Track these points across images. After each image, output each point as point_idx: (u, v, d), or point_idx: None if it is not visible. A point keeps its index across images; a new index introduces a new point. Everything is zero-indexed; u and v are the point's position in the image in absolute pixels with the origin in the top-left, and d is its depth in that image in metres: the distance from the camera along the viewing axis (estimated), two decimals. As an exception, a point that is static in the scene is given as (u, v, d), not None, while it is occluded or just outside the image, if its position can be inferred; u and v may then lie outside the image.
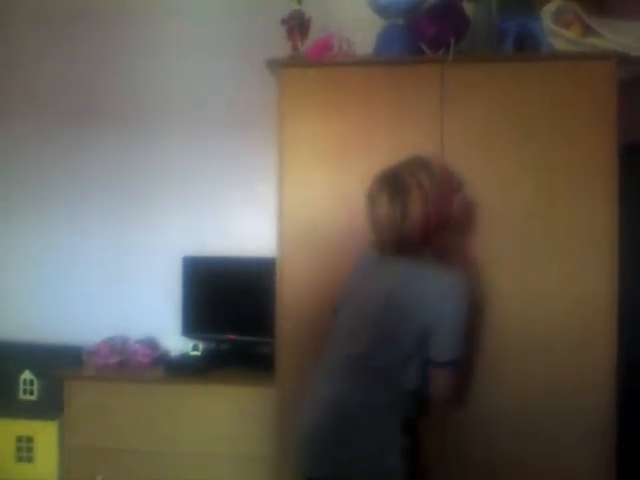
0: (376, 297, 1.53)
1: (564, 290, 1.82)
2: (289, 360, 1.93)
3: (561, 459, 1.82)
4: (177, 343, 2.49)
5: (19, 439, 2.34)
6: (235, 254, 2.44)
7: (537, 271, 1.84)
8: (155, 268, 2.56)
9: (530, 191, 1.84)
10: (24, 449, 2.34)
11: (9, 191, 2.68)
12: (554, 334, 1.82)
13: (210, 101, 2.54)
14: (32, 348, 2.49)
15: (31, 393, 2.40)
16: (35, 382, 2.40)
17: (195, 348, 2.38)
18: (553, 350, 1.82)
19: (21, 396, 2.41)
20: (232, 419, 2.15)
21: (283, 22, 1.96)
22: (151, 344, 2.45)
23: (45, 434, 2.32)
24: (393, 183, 1.51)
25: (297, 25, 1.93)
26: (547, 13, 1.84)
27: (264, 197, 2.44)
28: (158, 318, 2.53)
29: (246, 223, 2.51)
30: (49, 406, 2.34)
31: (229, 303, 2.38)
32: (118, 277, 2.60)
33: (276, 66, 1.95)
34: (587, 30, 1.82)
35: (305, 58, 1.94)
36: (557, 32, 1.83)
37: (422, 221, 1.47)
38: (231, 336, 2.37)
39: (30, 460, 2.34)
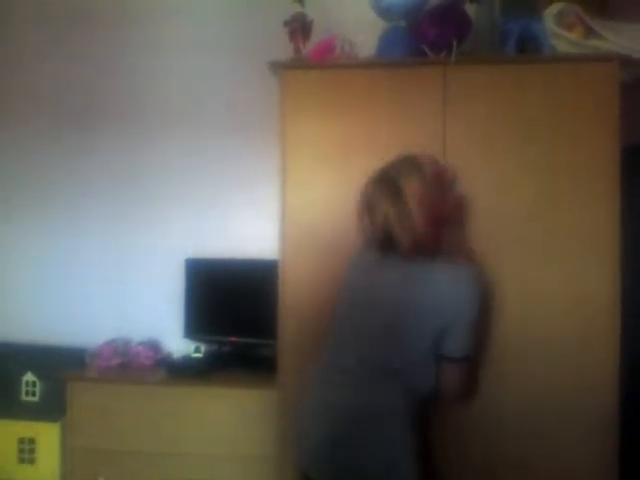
0: (387, 299, 1.51)
1: (566, 291, 1.82)
2: (291, 362, 1.93)
3: (562, 460, 1.82)
4: (179, 345, 2.49)
5: (21, 440, 2.34)
6: (236, 256, 2.44)
7: (539, 272, 1.84)
8: (157, 270, 2.56)
9: (532, 193, 1.84)
10: (26, 450, 2.35)
11: (10, 192, 2.68)
12: (556, 335, 1.82)
13: (211, 102, 2.54)
14: (35, 350, 2.49)
15: (33, 395, 2.40)
16: (37, 384, 2.40)
17: (197, 350, 2.39)
18: (555, 351, 1.82)
19: (23, 397, 2.41)
20: (234, 421, 2.16)
21: (285, 24, 1.95)
22: (153, 346, 2.45)
23: (47, 436, 2.32)
24: (391, 185, 1.48)
25: (299, 27, 1.93)
26: (549, 15, 1.84)
27: (265, 199, 2.44)
28: (160, 320, 2.54)
29: (247, 225, 2.51)
30: (51, 408, 2.35)
31: (231, 305, 2.38)
32: (120, 279, 2.60)
33: (278, 68, 1.95)
34: (589, 32, 1.82)
35: (307, 60, 1.94)
36: (559, 34, 1.82)
37: (425, 221, 1.46)
38: (233, 338, 2.37)
39: (32, 462, 2.35)
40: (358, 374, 1.50)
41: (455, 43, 1.82)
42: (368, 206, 1.52)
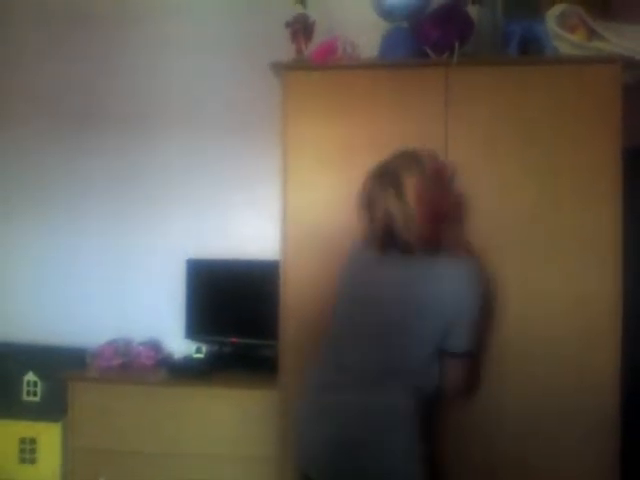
0: (388, 297, 1.50)
1: (567, 292, 1.83)
2: (292, 363, 1.94)
3: (563, 460, 1.83)
4: (180, 346, 2.49)
5: (22, 440, 2.34)
6: (236, 256, 2.44)
7: (541, 273, 1.84)
8: (158, 270, 2.56)
9: (534, 194, 1.84)
10: (27, 450, 2.35)
11: (10, 192, 2.68)
12: (557, 336, 1.83)
13: (211, 102, 2.53)
14: (36, 350, 2.49)
15: (35, 394, 2.40)
16: (39, 384, 2.40)
17: (198, 351, 2.38)
18: (556, 351, 1.83)
19: (25, 397, 2.41)
20: (235, 421, 2.16)
21: (287, 25, 1.95)
22: (154, 346, 2.45)
23: (48, 436, 2.32)
24: (391, 180, 1.47)
25: (301, 28, 1.93)
26: (552, 17, 1.84)
27: (266, 199, 2.44)
28: (161, 320, 2.53)
29: (248, 225, 2.51)
30: (52, 408, 2.34)
31: (232, 306, 2.38)
32: (120, 279, 2.60)
33: (280, 69, 1.95)
34: (592, 34, 1.82)
35: (309, 61, 1.94)
36: (562, 36, 1.82)
37: (425, 216, 1.45)
38: (234, 339, 2.37)
39: (33, 461, 2.34)
40: (359, 374, 1.49)
41: (457, 44, 1.82)
42: (368, 202, 1.51)
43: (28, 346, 2.51)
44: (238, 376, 2.24)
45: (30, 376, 2.40)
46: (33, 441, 2.34)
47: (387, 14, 1.95)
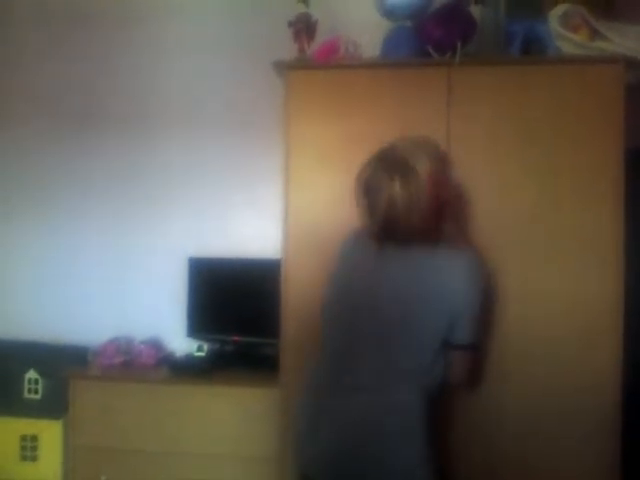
0: (390, 293, 1.45)
1: (568, 292, 1.83)
2: (293, 361, 1.94)
3: (564, 460, 1.83)
4: (182, 344, 2.49)
5: (23, 438, 2.35)
6: (237, 255, 2.44)
7: (541, 273, 1.84)
8: (159, 269, 2.56)
9: (535, 194, 1.84)
10: (28, 448, 2.35)
11: (10, 192, 2.68)
12: (558, 336, 1.83)
13: (213, 102, 2.53)
14: (37, 347, 2.49)
15: (36, 392, 2.41)
16: (40, 381, 2.40)
17: (200, 349, 2.39)
18: (557, 351, 1.83)
19: (26, 395, 2.41)
20: (236, 420, 2.16)
21: (290, 24, 1.95)
22: (156, 345, 2.45)
23: (50, 433, 2.33)
24: (399, 166, 1.39)
25: (304, 28, 1.93)
26: (554, 16, 1.84)
27: (268, 198, 2.44)
28: (163, 319, 2.54)
29: (249, 224, 2.51)
30: (54, 405, 2.35)
31: (234, 304, 2.38)
32: (122, 278, 2.60)
33: (283, 68, 1.95)
34: (594, 34, 1.82)
35: (312, 60, 1.94)
36: (564, 35, 1.82)
37: (433, 206, 1.40)
38: (235, 337, 2.37)
39: (34, 459, 2.35)
40: (362, 375, 1.45)
41: (460, 44, 1.82)
42: (368, 189, 1.44)
43: (29, 344, 2.52)
44: (239, 374, 2.24)
45: (31, 374, 2.40)
46: (34, 439, 2.34)
47: (389, 13, 1.95)
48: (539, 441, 1.83)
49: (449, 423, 1.83)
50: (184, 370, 2.28)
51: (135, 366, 2.37)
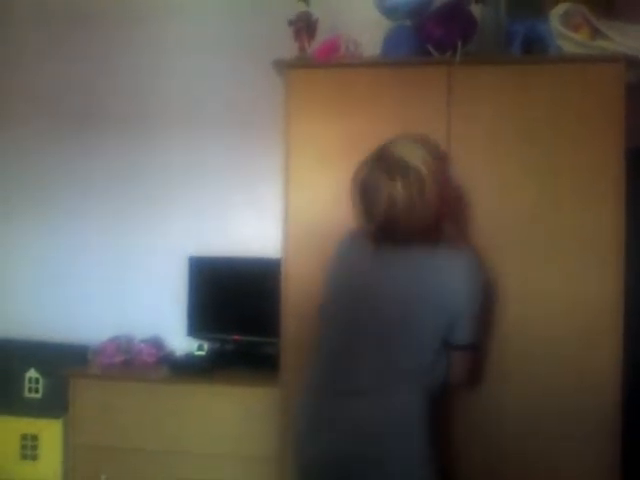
0: (393, 295, 1.43)
1: (568, 292, 1.82)
2: (294, 360, 1.94)
3: (563, 460, 1.83)
4: (182, 343, 2.49)
5: (24, 437, 2.35)
6: (237, 254, 2.44)
7: (541, 273, 1.84)
8: (160, 269, 2.56)
9: (536, 193, 1.84)
10: (29, 447, 2.35)
11: (10, 192, 2.68)
12: (558, 336, 1.83)
13: (213, 101, 2.53)
14: (38, 346, 2.49)
15: (36, 391, 2.41)
16: (40, 380, 2.40)
17: (200, 348, 2.39)
18: (557, 351, 1.83)
19: (26, 394, 2.41)
20: (236, 419, 2.16)
21: (290, 23, 1.95)
22: (156, 344, 2.45)
23: (50, 432, 2.33)
24: (397, 166, 1.37)
25: (304, 26, 1.93)
26: (555, 15, 1.83)
27: (268, 198, 2.44)
28: (163, 318, 2.54)
29: (249, 224, 2.51)
30: (54, 404, 2.35)
31: (234, 303, 2.38)
32: (122, 277, 2.60)
33: (283, 67, 1.95)
34: (595, 33, 1.81)
35: (312, 59, 1.94)
36: (565, 35, 1.81)
37: (436, 202, 1.38)
38: (236, 336, 2.37)
39: (35, 458, 2.35)
40: (363, 378, 1.44)
41: (460, 43, 1.82)
42: (366, 190, 1.41)
43: (30, 343, 2.52)
44: (240, 373, 2.24)
45: (32, 373, 2.41)
46: (34, 438, 2.34)
47: (390, 12, 1.95)
48: (539, 441, 1.83)
49: (449, 423, 1.83)
50: (184, 369, 2.28)
51: (135, 365, 2.37)
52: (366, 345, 1.46)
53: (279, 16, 2.01)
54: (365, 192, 1.42)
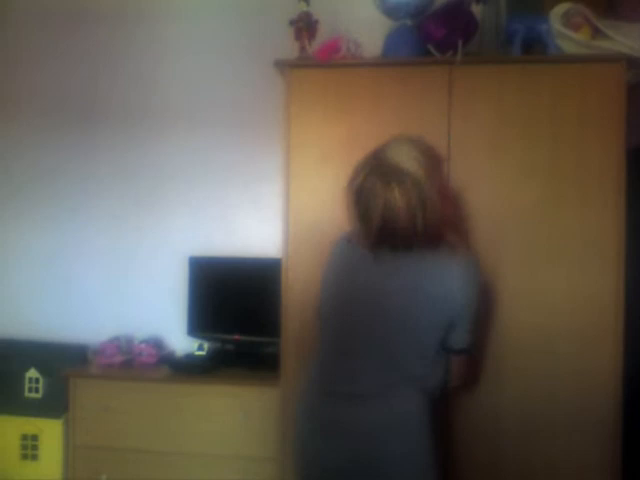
0: (393, 300, 1.42)
1: (570, 293, 1.83)
2: (294, 360, 1.94)
3: (564, 460, 1.83)
4: (182, 343, 2.49)
5: (24, 437, 2.34)
6: (237, 254, 2.44)
7: (543, 273, 1.84)
8: (160, 268, 2.56)
9: (536, 193, 1.84)
10: (29, 447, 2.35)
11: (11, 192, 2.68)
12: (559, 335, 1.83)
13: (214, 101, 2.53)
14: (38, 346, 2.49)
15: (36, 391, 2.40)
16: (41, 380, 2.40)
17: (200, 348, 2.38)
18: (558, 350, 1.83)
19: (26, 394, 2.41)
20: (237, 419, 2.15)
21: (291, 23, 1.95)
22: (156, 344, 2.45)
23: (50, 432, 2.32)
24: (394, 175, 1.34)
25: (305, 27, 1.93)
26: (556, 15, 1.84)
27: (268, 197, 2.44)
28: (163, 318, 2.53)
29: (249, 223, 2.51)
30: (54, 404, 2.34)
31: (234, 303, 2.38)
32: (123, 277, 2.60)
33: (284, 66, 1.95)
34: (596, 32, 1.82)
35: (313, 59, 1.94)
36: (565, 34, 1.82)
37: (434, 206, 1.35)
38: (236, 336, 2.37)
39: (35, 458, 2.35)
40: (364, 381, 1.43)
41: (461, 43, 1.82)
42: (362, 197, 1.38)
43: (30, 343, 2.52)
44: (240, 373, 2.24)
45: (32, 373, 2.40)
46: (35, 438, 2.34)
47: (391, 12, 1.95)
48: (539, 441, 1.83)
49: (450, 423, 1.83)
50: (184, 369, 2.28)
51: (135, 365, 2.37)
52: (366, 349, 1.45)
53: (280, 16, 2.01)
54: (361, 199, 1.38)
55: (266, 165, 2.43)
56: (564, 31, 1.82)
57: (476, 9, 1.91)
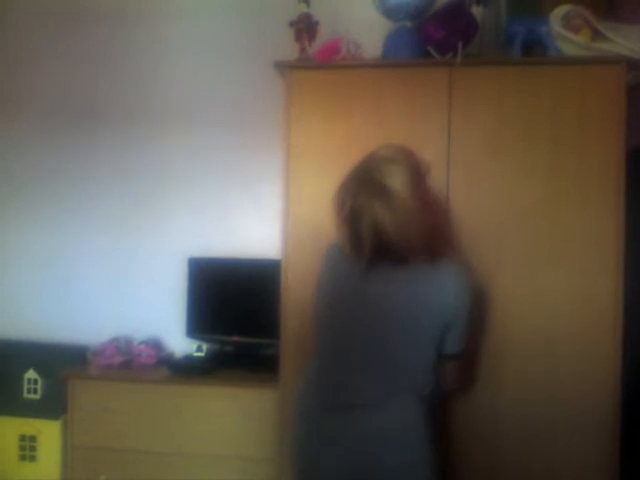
0: (389, 311, 1.42)
1: (568, 293, 1.83)
2: (293, 362, 1.94)
3: (563, 462, 1.83)
4: (181, 344, 2.48)
5: (22, 438, 2.34)
6: (237, 255, 2.44)
7: (542, 274, 1.84)
8: (159, 269, 2.56)
9: (536, 194, 1.84)
10: (27, 448, 2.34)
11: (11, 192, 2.68)
12: (558, 336, 1.83)
13: (214, 102, 2.53)
14: (37, 347, 2.49)
15: (35, 392, 2.40)
16: (39, 381, 2.39)
17: (199, 349, 2.38)
18: (557, 351, 1.83)
19: (25, 395, 2.40)
20: (235, 420, 2.15)
21: (291, 24, 1.95)
22: (155, 345, 2.45)
23: (48, 433, 2.32)
24: (377, 190, 1.35)
25: (305, 28, 1.93)
26: (556, 17, 1.84)
27: (267, 198, 2.44)
28: (162, 319, 2.53)
29: (250, 224, 2.51)
30: (53, 405, 2.34)
31: (234, 304, 2.38)
32: (122, 277, 2.59)
33: (284, 68, 1.95)
34: (596, 34, 1.82)
35: (313, 60, 1.94)
36: (566, 36, 1.82)
37: (419, 221, 1.36)
38: (235, 338, 2.36)
39: (33, 459, 2.34)
40: (362, 390, 1.43)
41: (461, 45, 1.82)
42: (351, 214, 1.38)
43: (29, 343, 2.51)
44: (239, 375, 2.23)
45: (31, 373, 2.39)
46: (33, 439, 2.33)
47: (391, 13, 1.95)
48: (539, 443, 1.83)
49: (448, 426, 1.83)
50: (183, 370, 2.27)
51: (134, 366, 2.36)
52: (364, 360, 1.44)
53: (280, 17, 2.02)
54: (351, 218, 1.39)
55: (266, 166, 2.43)
56: (564, 33, 1.82)
57: (476, 11, 1.91)
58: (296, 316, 1.94)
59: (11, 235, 2.68)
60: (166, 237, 2.56)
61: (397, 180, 1.35)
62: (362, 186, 1.37)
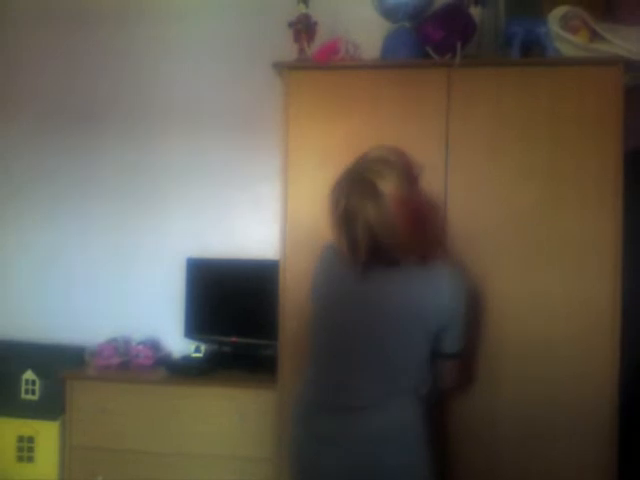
0: (384, 313, 1.42)
1: (567, 295, 1.82)
2: (291, 363, 1.94)
3: (561, 463, 1.82)
4: (179, 345, 2.48)
5: (20, 439, 2.33)
6: (235, 256, 2.44)
7: (540, 275, 1.84)
8: (158, 269, 2.56)
9: (535, 196, 1.84)
10: (25, 449, 2.34)
11: (11, 192, 2.68)
12: (557, 338, 1.83)
13: (213, 102, 2.53)
14: (35, 348, 2.49)
15: (33, 393, 2.40)
16: (37, 382, 2.39)
17: (197, 350, 2.38)
18: (555, 353, 1.83)
19: (23, 396, 2.40)
20: (233, 421, 2.15)
21: (290, 25, 1.96)
22: (153, 345, 2.44)
23: (46, 434, 2.31)
24: (369, 192, 1.34)
25: (304, 28, 1.93)
26: (554, 18, 1.84)
27: (266, 199, 2.44)
28: (160, 319, 2.53)
29: (247, 225, 2.51)
30: (51, 406, 2.33)
31: (232, 305, 2.37)
32: (120, 278, 2.59)
33: (283, 68, 1.95)
34: (594, 35, 1.82)
35: (312, 61, 1.95)
36: (564, 37, 1.82)
37: (411, 223, 1.36)
38: (233, 338, 2.36)
39: (31, 460, 2.34)
40: (359, 392, 1.43)
41: (459, 45, 1.82)
42: (345, 217, 1.38)
43: (27, 344, 2.51)
44: (237, 376, 2.23)
45: (29, 374, 2.39)
46: (31, 439, 2.33)
47: (389, 14, 1.96)
48: (537, 446, 1.83)
49: (446, 427, 1.83)
50: (181, 371, 2.27)
51: (132, 367, 2.36)
52: (364, 360, 1.44)
53: (279, 18, 2.02)
54: (345, 221, 1.39)
55: (264, 167, 2.43)
56: (562, 34, 1.82)
57: (475, 11, 1.92)
58: (294, 317, 1.94)
59: (11, 235, 2.68)
60: (165, 237, 2.56)
61: (388, 181, 1.35)
62: (355, 186, 1.37)
